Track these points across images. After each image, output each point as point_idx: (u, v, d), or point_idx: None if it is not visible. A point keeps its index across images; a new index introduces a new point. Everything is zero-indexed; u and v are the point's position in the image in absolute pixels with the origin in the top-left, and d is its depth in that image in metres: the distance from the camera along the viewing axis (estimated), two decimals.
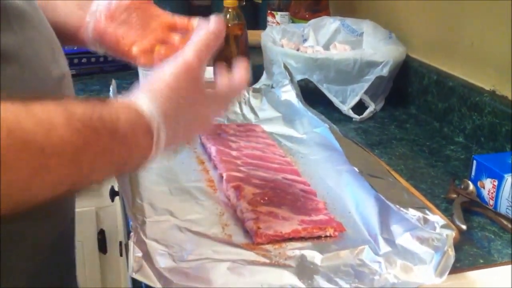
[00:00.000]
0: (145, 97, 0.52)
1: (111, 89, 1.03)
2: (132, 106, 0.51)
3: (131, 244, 0.59)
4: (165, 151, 0.54)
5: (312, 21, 1.33)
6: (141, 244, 0.61)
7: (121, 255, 1.34)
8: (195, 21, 0.85)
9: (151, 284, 0.55)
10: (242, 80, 0.64)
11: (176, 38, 0.82)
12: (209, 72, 1.26)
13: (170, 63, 0.56)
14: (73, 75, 1.34)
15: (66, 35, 0.74)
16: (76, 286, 0.76)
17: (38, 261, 0.61)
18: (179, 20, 0.85)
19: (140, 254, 0.57)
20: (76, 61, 1.31)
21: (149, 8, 0.83)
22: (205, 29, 0.58)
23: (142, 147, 0.51)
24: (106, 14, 0.76)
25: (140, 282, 0.58)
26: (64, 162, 0.44)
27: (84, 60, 1.32)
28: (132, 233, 0.61)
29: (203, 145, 0.92)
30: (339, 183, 0.81)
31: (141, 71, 1.14)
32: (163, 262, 0.60)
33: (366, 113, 1.13)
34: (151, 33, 0.80)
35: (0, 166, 0.39)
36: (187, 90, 0.55)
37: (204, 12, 1.85)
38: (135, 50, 0.78)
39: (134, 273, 0.55)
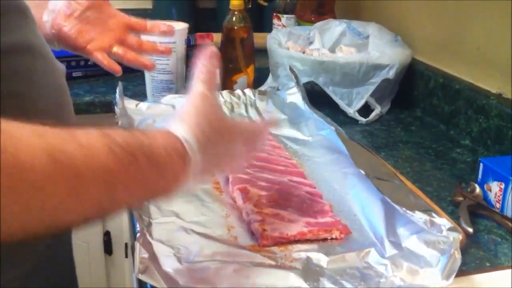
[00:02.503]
0: (179, 125, 0.53)
1: (117, 91, 1.04)
2: (168, 132, 0.52)
3: (137, 245, 0.59)
4: (195, 180, 0.53)
5: (318, 23, 1.33)
6: (147, 245, 0.61)
7: (126, 256, 1.34)
8: (150, 22, 0.90)
9: (157, 285, 0.55)
10: (269, 122, 0.67)
11: (134, 40, 0.85)
12: None
13: (186, 100, 0.57)
14: (79, 77, 1.36)
15: None
16: (76, 286, 0.76)
17: (34, 261, 0.61)
18: (136, 21, 0.89)
19: (146, 255, 0.57)
20: (82, 63, 1.32)
21: (106, 8, 0.86)
22: (203, 59, 0.59)
23: (175, 173, 0.51)
24: (66, 12, 0.78)
25: (145, 284, 0.59)
26: (98, 188, 0.43)
27: (90, 62, 1.32)
28: (138, 234, 0.62)
29: None
30: (345, 185, 0.81)
31: (147, 75, 1.14)
32: (168, 263, 0.60)
33: (372, 116, 1.13)
34: (109, 32, 0.84)
35: (37, 188, 0.38)
36: (210, 118, 0.55)
37: (210, 14, 1.86)
38: (91, 47, 0.81)
39: (140, 274, 0.56)
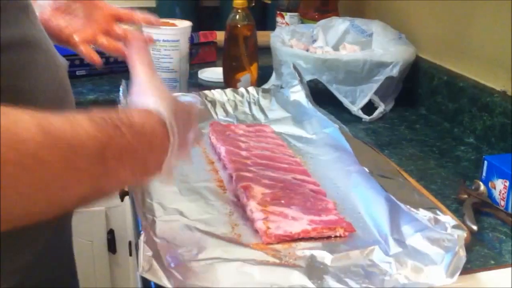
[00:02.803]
0: (152, 101, 0.54)
1: (121, 89, 1.04)
2: (146, 109, 0.53)
3: (141, 243, 0.59)
4: (178, 158, 0.55)
5: (321, 21, 1.32)
6: (151, 243, 0.61)
7: (130, 254, 1.34)
8: (139, 13, 0.91)
9: (161, 283, 0.55)
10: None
11: (119, 30, 0.87)
12: (217, 72, 1.28)
13: (140, 78, 0.61)
14: (83, 76, 1.36)
15: None
16: (76, 285, 0.76)
17: (35, 253, 0.62)
18: (123, 11, 0.89)
19: (150, 253, 0.58)
20: (86, 61, 1.32)
21: (92, 0, 0.86)
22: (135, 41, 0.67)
23: (162, 146, 0.52)
24: (51, 6, 0.79)
25: (149, 282, 0.59)
26: (91, 159, 0.44)
27: None
28: (142, 232, 0.62)
29: (212, 145, 0.92)
30: (348, 183, 0.80)
31: None
32: (172, 261, 0.60)
33: (375, 114, 1.13)
34: (94, 23, 0.85)
35: (34, 160, 0.39)
36: (171, 95, 0.59)
37: (213, 12, 1.86)
38: (76, 38, 0.82)
39: (144, 272, 0.56)
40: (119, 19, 0.88)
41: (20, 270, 0.60)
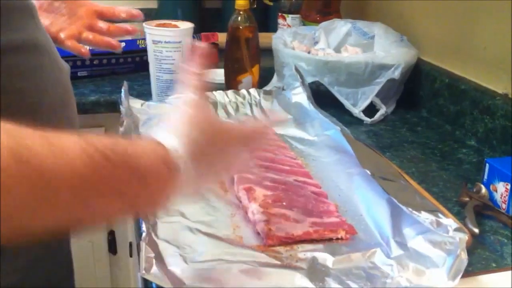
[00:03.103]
0: (167, 134, 0.50)
1: (122, 90, 1.04)
2: (156, 141, 0.49)
3: (142, 244, 0.59)
4: (188, 193, 0.52)
5: (323, 23, 1.32)
6: (152, 244, 0.61)
7: (131, 256, 1.34)
8: (121, 7, 0.95)
9: (162, 285, 0.55)
10: (270, 122, 0.65)
11: (102, 24, 0.91)
12: (219, 74, 1.27)
13: (176, 108, 0.54)
14: (84, 77, 1.36)
15: None
16: (73, 284, 0.76)
17: (34, 252, 0.62)
18: (106, 8, 0.93)
19: (151, 254, 0.58)
20: (88, 62, 1.32)
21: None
22: (192, 61, 0.56)
23: (160, 183, 0.47)
24: (35, 4, 0.82)
25: (151, 283, 0.59)
26: (67, 193, 0.40)
27: (96, 61, 1.33)
28: (144, 234, 0.62)
29: None
30: (350, 185, 0.80)
31: (153, 75, 1.14)
32: (174, 263, 0.60)
33: (377, 116, 1.13)
34: (78, 20, 0.89)
35: (3, 189, 0.36)
36: (203, 125, 0.52)
37: (215, 14, 1.86)
38: (62, 35, 0.86)
39: (145, 274, 0.56)
40: (101, 15, 0.94)
41: (20, 270, 0.60)
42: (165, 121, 0.52)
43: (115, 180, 0.43)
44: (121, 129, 0.91)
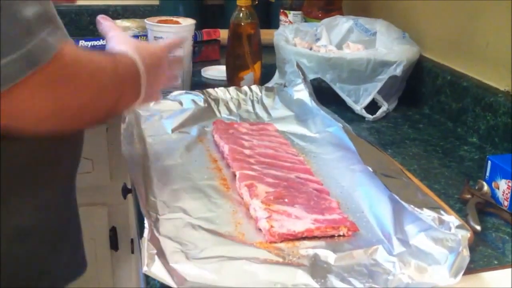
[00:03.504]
0: (133, 51, 0.68)
1: None
2: (125, 53, 0.68)
3: (145, 240, 0.59)
4: (146, 100, 0.71)
5: (325, 20, 1.32)
6: (154, 241, 0.61)
7: (132, 252, 1.34)
8: None
9: (164, 281, 0.55)
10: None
11: None
12: (221, 70, 1.27)
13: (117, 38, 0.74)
14: None
15: None
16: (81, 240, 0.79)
17: (52, 196, 0.66)
18: None
19: (153, 251, 0.58)
20: None
21: None
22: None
23: (134, 80, 0.67)
24: None
25: (152, 279, 0.59)
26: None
27: None
28: (146, 230, 0.62)
29: (216, 144, 0.92)
30: (352, 182, 0.80)
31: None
32: (176, 259, 0.60)
33: (379, 113, 1.13)
34: None
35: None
36: (140, 44, 0.72)
37: (217, 10, 1.86)
38: None
39: (147, 271, 0.56)
40: None
41: (40, 207, 0.64)
42: (116, 41, 0.73)
43: (122, 75, 0.65)
44: (123, 125, 0.91)
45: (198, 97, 1.07)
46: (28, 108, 0.52)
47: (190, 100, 1.06)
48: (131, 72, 0.67)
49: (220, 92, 1.11)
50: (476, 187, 0.81)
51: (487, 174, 0.81)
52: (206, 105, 1.06)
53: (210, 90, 1.11)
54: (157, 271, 0.56)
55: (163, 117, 1.01)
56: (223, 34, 1.53)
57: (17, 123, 0.53)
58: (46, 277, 0.68)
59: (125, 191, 1.08)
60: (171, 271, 0.57)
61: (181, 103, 1.06)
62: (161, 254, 0.60)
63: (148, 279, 0.63)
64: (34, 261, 0.65)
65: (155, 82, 0.73)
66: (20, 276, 0.64)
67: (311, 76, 1.11)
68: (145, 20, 1.15)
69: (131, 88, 0.67)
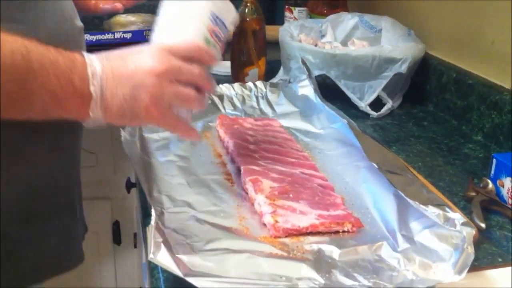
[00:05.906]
0: (94, 56, 0.60)
1: None
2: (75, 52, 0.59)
3: (151, 228, 0.59)
4: (115, 117, 0.60)
5: (330, 16, 1.32)
6: (160, 232, 0.61)
7: (135, 246, 1.34)
8: None
9: (170, 270, 0.55)
10: None
11: None
12: (226, 66, 1.27)
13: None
14: None
15: None
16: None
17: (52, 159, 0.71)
18: None
19: (160, 239, 0.58)
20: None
21: None
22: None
23: (77, 90, 0.57)
24: None
25: (156, 270, 0.59)
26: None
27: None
28: (152, 220, 0.61)
29: (220, 139, 0.92)
30: (356, 179, 0.80)
31: None
32: (181, 250, 0.60)
33: (383, 110, 1.13)
34: None
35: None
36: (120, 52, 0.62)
37: None
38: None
39: (153, 257, 0.55)
40: None
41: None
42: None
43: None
44: None
45: None
46: None
47: None
48: (55, 63, 0.57)
49: (224, 88, 1.11)
50: (481, 185, 0.81)
51: (492, 172, 0.81)
52: (210, 101, 1.06)
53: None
54: (163, 259, 0.55)
55: None
56: None
57: None
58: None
59: (129, 185, 1.09)
60: (176, 260, 0.57)
61: None
62: (167, 244, 0.59)
63: (153, 272, 0.63)
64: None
65: (126, 95, 0.60)
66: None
67: (316, 73, 1.11)
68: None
69: (60, 84, 0.56)
